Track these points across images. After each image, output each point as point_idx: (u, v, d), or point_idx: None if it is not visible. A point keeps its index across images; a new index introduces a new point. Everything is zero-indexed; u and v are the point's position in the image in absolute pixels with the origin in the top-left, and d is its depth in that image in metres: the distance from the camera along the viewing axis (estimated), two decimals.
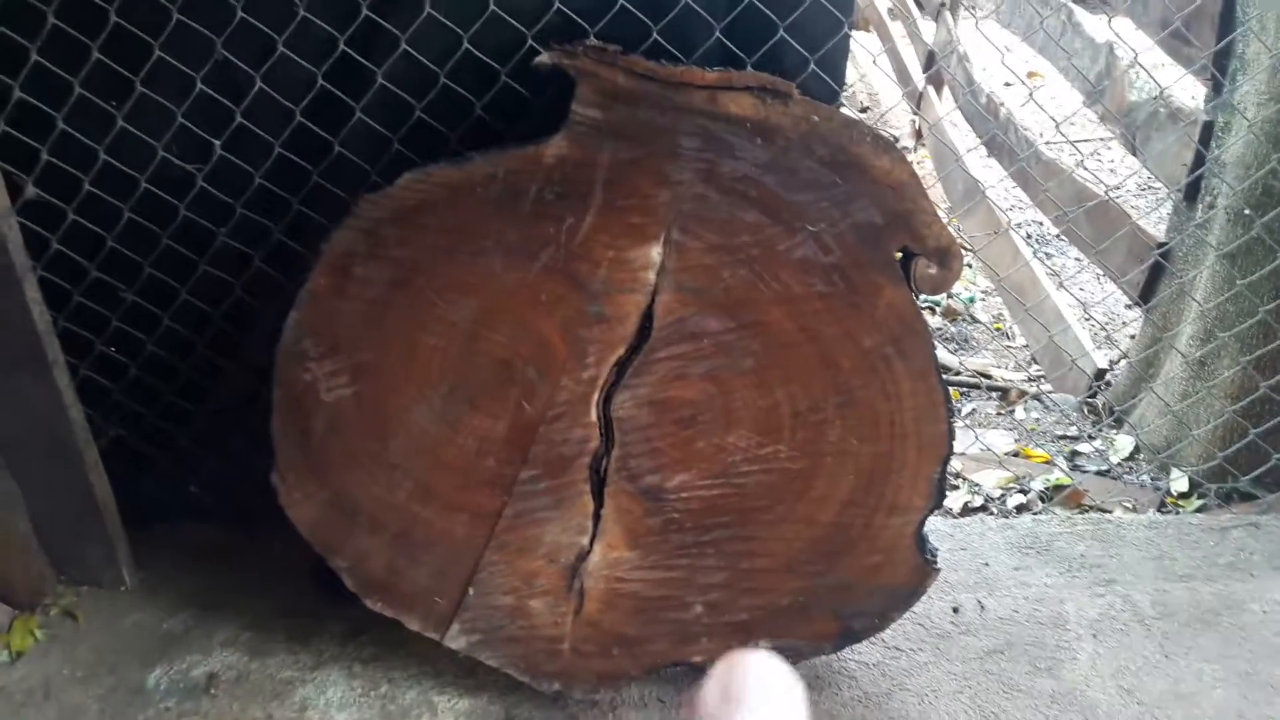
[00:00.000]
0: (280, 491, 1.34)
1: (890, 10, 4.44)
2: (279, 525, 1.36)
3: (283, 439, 1.31)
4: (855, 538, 1.36)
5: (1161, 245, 2.12)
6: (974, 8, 3.67)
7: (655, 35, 1.30)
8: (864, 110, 4.30)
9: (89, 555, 1.63)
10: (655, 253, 1.23)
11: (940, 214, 1.26)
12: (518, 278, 1.24)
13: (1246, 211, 1.78)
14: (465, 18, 1.29)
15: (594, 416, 1.29)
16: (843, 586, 1.40)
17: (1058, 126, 2.05)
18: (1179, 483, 2.01)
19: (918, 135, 3.78)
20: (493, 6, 1.27)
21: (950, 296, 3.09)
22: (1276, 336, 1.76)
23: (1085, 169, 3.24)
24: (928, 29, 3.89)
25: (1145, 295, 2.19)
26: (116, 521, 1.62)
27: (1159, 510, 1.95)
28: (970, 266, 3.22)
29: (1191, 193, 2.03)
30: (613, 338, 1.27)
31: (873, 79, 4.44)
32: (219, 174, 1.41)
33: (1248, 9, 1.77)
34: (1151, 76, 2.24)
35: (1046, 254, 3.29)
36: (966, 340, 2.89)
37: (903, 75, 3.95)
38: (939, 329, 2.95)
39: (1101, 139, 2.68)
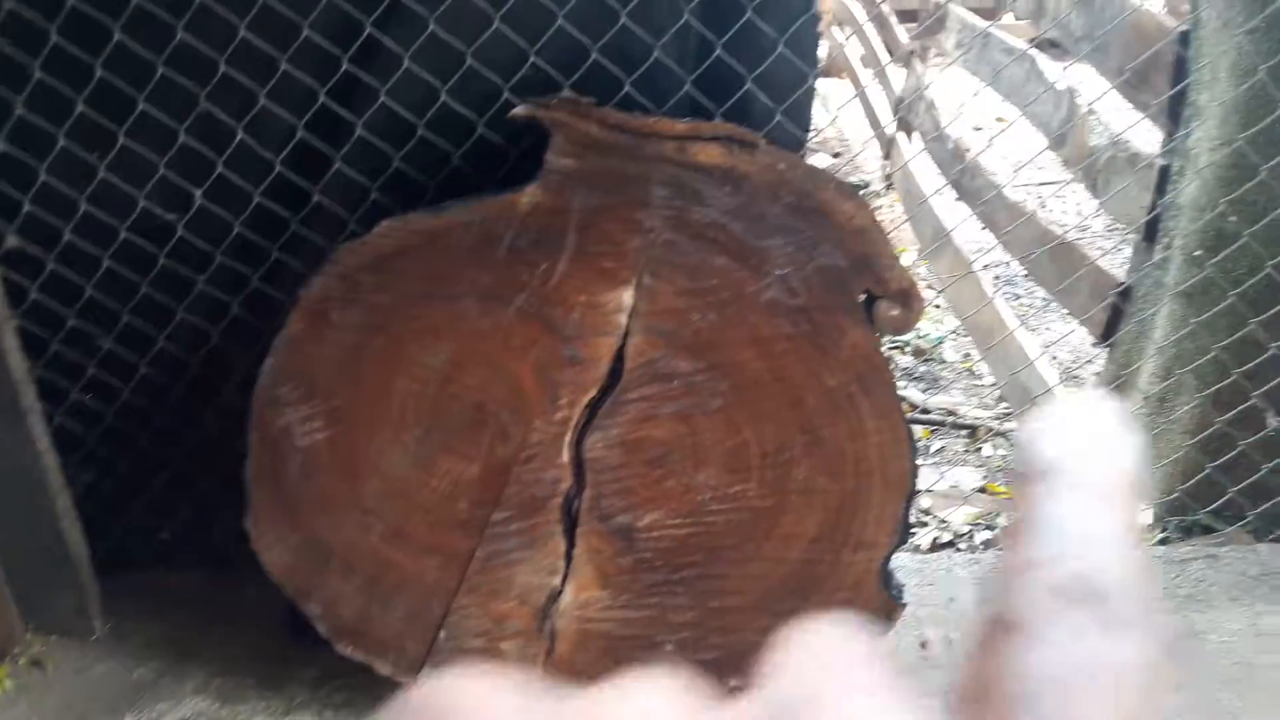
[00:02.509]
0: (253, 536, 1.35)
1: (862, 58, 4.55)
2: (251, 570, 1.36)
3: (256, 484, 1.33)
4: (823, 575, 1.39)
5: (1121, 285, 2.18)
6: (941, 55, 3.77)
7: (627, 87, 1.34)
8: (836, 155, 4.38)
9: (59, 603, 1.62)
10: (627, 296, 1.27)
11: (901, 258, 1.31)
12: (492, 322, 1.27)
13: (1198, 253, 1.84)
14: (443, 70, 1.33)
15: (566, 457, 1.32)
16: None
17: (1015, 172, 2.11)
18: (1143, 517, 2.06)
19: (888, 179, 3.86)
20: (469, 60, 1.31)
21: (920, 336, 3.15)
22: (1230, 373, 1.81)
23: (1047, 210, 3.31)
24: (898, 75, 3.99)
25: (1107, 334, 2.25)
26: (87, 569, 1.61)
27: None
28: (939, 306, 3.28)
29: (1150, 234, 2.10)
30: (585, 379, 1.29)
31: (844, 125, 4.54)
32: (198, 222, 1.43)
33: (1199, 59, 1.84)
34: (1101, 123, 2.32)
35: (1015, 293, 3.36)
36: (936, 379, 2.94)
37: (874, 121, 4.04)
38: (908, 368, 3.00)
39: (1064, 181, 2.76)
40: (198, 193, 1.40)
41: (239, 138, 1.36)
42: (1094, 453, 0.19)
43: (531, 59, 1.32)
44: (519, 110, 1.21)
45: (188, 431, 1.64)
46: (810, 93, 1.39)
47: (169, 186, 1.39)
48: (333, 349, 1.27)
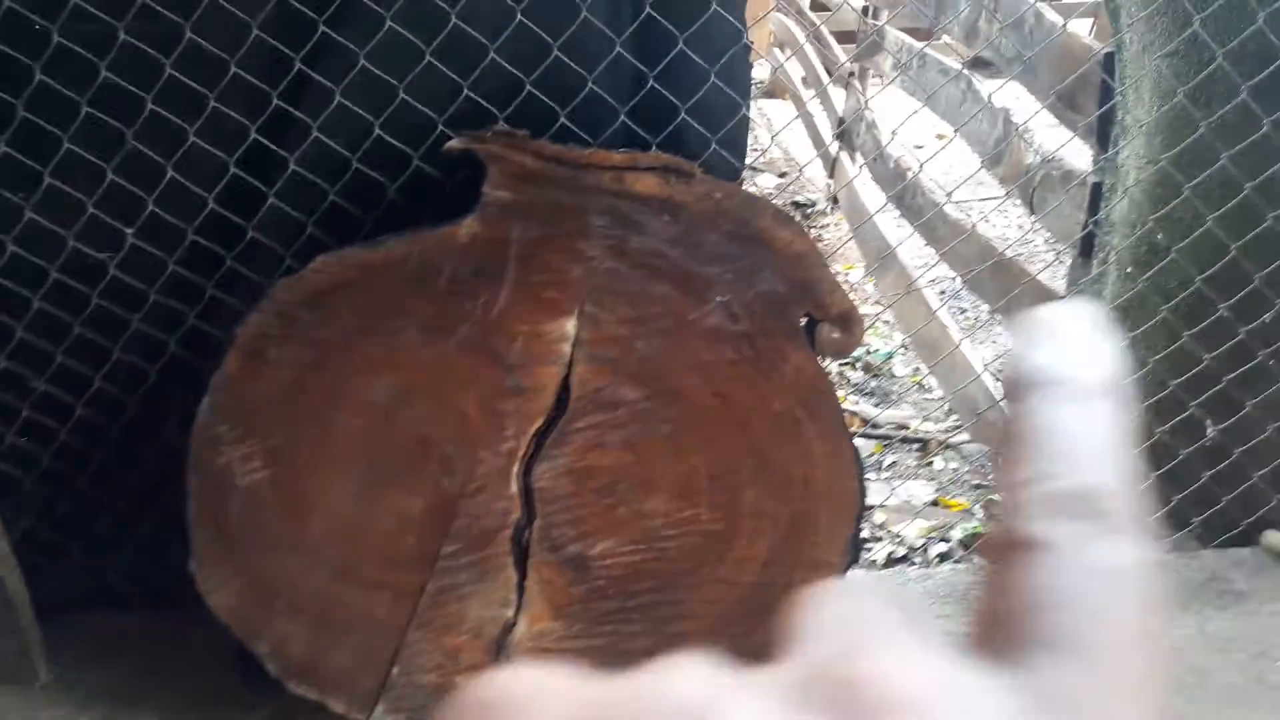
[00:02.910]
0: (198, 578, 1.32)
1: (803, 79, 4.61)
2: (199, 611, 1.34)
3: (198, 525, 1.30)
4: (777, 596, 1.39)
5: (1059, 299, 2.22)
6: (880, 76, 3.83)
7: (562, 119, 1.35)
8: (782, 175, 4.43)
9: (1, 650, 1.58)
10: (570, 326, 1.27)
11: (846, 277, 1.33)
12: (434, 354, 1.26)
13: (1130, 269, 1.89)
14: (376, 105, 1.33)
15: (514, 488, 1.31)
16: (767, 646, 1.42)
17: (949, 194, 2.15)
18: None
19: (833, 199, 3.91)
20: (402, 94, 1.31)
21: (870, 352, 3.18)
22: (1168, 385, 1.86)
23: (989, 225, 3.38)
24: (839, 95, 4.05)
25: None
26: (30, 615, 1.57)
27: None
28: (887, 322, 3.32)
29: (1086, 250, 2.15)
30: (531, 409, 1.29)
31: (790, 145, 4.59)
32: (132, 261, 1.41)
33: (1123, 80, 1.90)
34: (1026, 142, 2.37)
35: (961, 308, 3.41)
36: (886, 394, 2.97)
37: (817, 141, 4.09)
38: (859, 383, 3.03)
39: (1002, 198, 2.81)
40: (129, 232, 1.38)
41: (169, 175, 1.34)
42: (1081, 362, 0.19)
43: (465, 92, 1.32)
44: (453, 144, 1.22)
45: (128, 472, 1.61)
46: (745, 122, 1.40)
47: (100, 226, 1.37)
48: (271, 386, 1.26)
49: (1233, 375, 1.79)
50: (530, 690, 0.17)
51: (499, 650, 1.38)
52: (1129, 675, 0.16)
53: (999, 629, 0.17)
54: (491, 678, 0.17)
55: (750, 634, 1.40)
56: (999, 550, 0.18)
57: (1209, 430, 1.87)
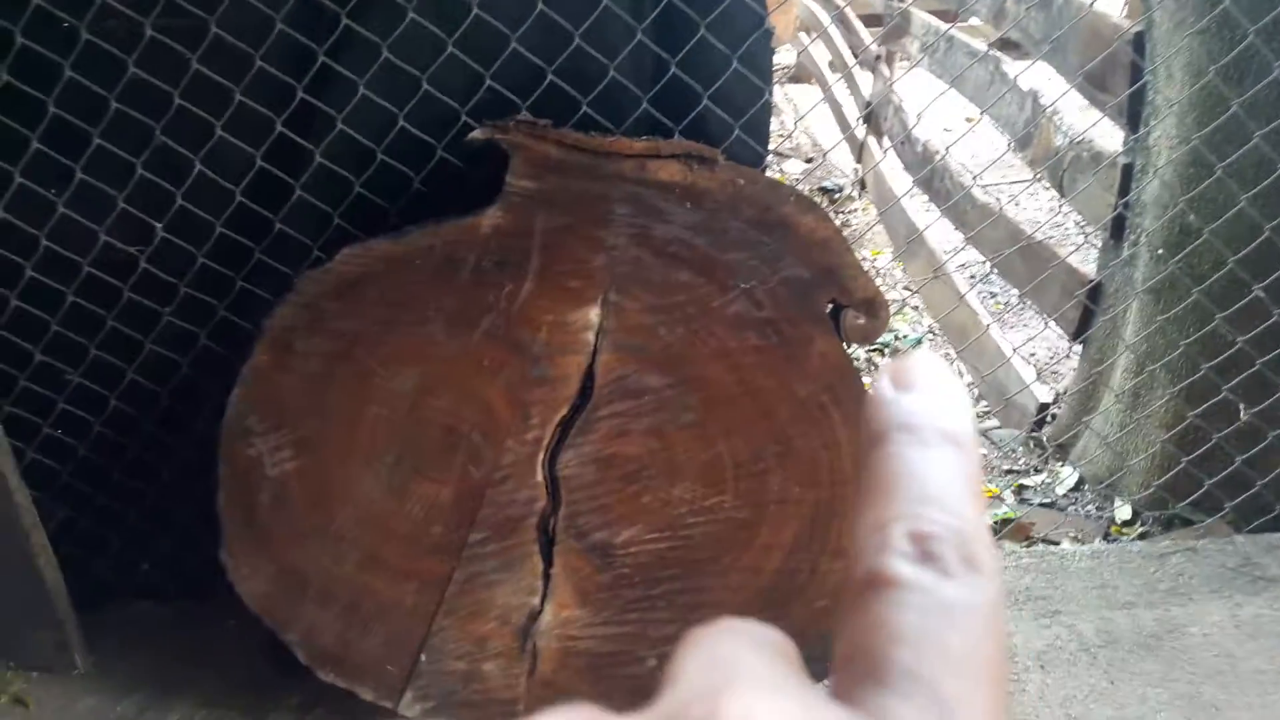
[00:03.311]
0: (229, 568, 1.34)
1: (830, 63, 4.57)
2: (232, 600, 1.36)
3: (229, 515, 1.32)
4: (802, 584, 1.39)
5: (1090, 283, 2.20)
6: (906, 59, 3.80)
7: (585, 108, 1.35)
8: (809, 161, 4.40)
9: (39, 640, 1.61)
10: (594, 314, 1.27)
11: (865, 267, 1.32)
12: (459, 345, 1.27)
13: (1161, 250, 1.86)
14: (400, 96, 1.33)
15: (540, 477, 1.32)
16: (792, 633, 1.42)
17: (975, 177, 2.13)
18: (1122, 511, 2.07)
19: (861, 184, 3.88)
20: (425, 85, 1.31)
21: (898, 337, 3.16)
22: (1200, 368, 1.83)
23: (1019, 208, 3.34)
24: (866, 80, 4.02)
25: (1079, 331, 2.26)
26: (67, 604, 1.60)
27: (1104, 539, 2.00)
28: (916, 308, 3.30)
29: (1118, 231, 2.12)
30: (555, 398, 1.30)
31: (817, 131, 4.56)
32: (162, 255, 1.43)
33: (1153, 59, 1.87)
34: (1056, 123, 2.34)
35: (991, 292, 3.38)
36: None
37: (844, 126, 4.06)
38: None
39: (1031, 181, 2.78)
40: (159, 225, 1.40)
41: (197, 170, 1.36)
42: (936, 410, 0.20)
43: (488, 82, 1.32)
44: (476, 134, 1.22)
45: (162, 463, 1.64)
46: (767, 107, 1.40)
47: (130, 220, 1.39)
48: (299, 378, 1.27)
49: (1266, 358, 1.76)
50: None
51: (526, 637, 1.39)
52: (973, 713, 0.16)
53: (854, 668, 0.17)
54: None
55: (776, 621, 1.40)
56: (855, 589, 0.18)
57: (1242, 413, 1.84)
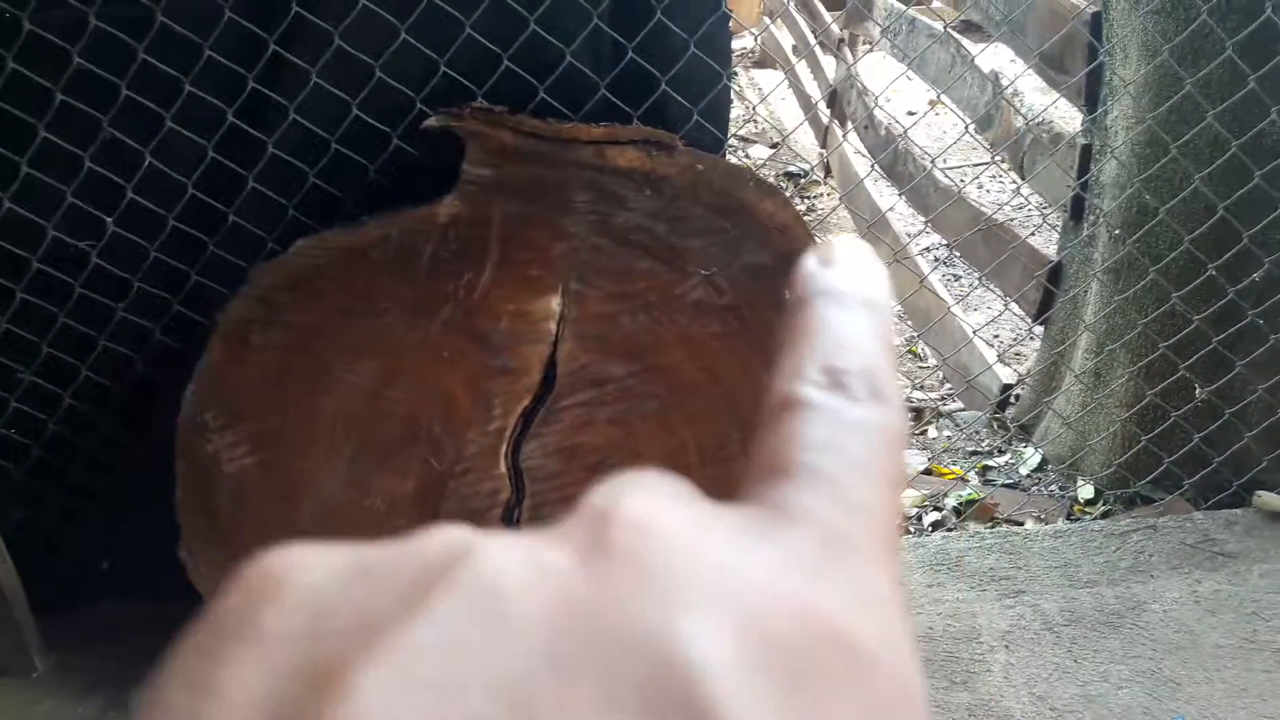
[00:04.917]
0: (188, 566, 1.33)
1: (794, 48, 4.57)
2: (194, 597, 1.34)
3: (187, 512, 1.30)
4: None
5: (1050, 264, 2.22)
6: (869, 43, 3.80)
7: (542, 93, 1.33)
8: (774, 146, 4.40)
9: None
10: (555, 303, 1.26)
11: None
12: (418, 336, 1.26)
13: (1119, 230, 1.88)
14: (353, 85, 1.31)
15: (503, 468, 1.31)
16: None
17: (933, 160, 2.13)
18: (1085, 490, 2.09)
19: (826, 167, 3.89)
20: (379, 73, 1.29)
21: None
22: (1158, 347, 1.85)
23: (983, 191, 3.36)
24: (829, 64, 4.02)
25: (1040, 311, 2.29)
26: (24, 606, 1.57)
27: (1067, 519, 2.03)
28: None
29: (1077, 212, 2.13)
30: (518, 389, 1.29)
31: (782, 115, 4.56)
32: (114, 249, 1.40)
33: (1110, 39, 1.88)
34: (1012, 104, 2.36)
35: (955, 275, 3.40)
36: None
37: (807, 109, 4.06)
38: None
39: (991, 162, 2.80)
40: (109, 220, 1.37)
41: (147, 162, 1.33)
42: (856, 280, 0.22)
43: (442, 70, 1.31)
44: (431, 121, 1.20)
45: (119, 460, 1.61)
46: (726, 91, 1.39)
47: (80, 214, 1.36)
48: (255, 372, 1.25)
49: (1222, 336, 1.79)
50: (294, 561, 0.17)
51: None
52: (867, 507, 0.18)
53: (760, 474, 0.19)
54: (258, 557, 0.17)
55: None
56: (768, 413, 0.19)
57: (1199, 392, 1.87)
